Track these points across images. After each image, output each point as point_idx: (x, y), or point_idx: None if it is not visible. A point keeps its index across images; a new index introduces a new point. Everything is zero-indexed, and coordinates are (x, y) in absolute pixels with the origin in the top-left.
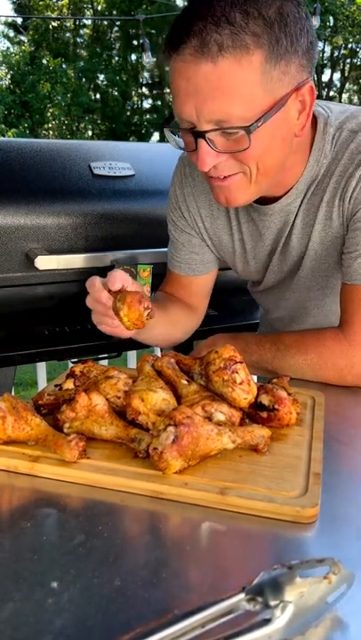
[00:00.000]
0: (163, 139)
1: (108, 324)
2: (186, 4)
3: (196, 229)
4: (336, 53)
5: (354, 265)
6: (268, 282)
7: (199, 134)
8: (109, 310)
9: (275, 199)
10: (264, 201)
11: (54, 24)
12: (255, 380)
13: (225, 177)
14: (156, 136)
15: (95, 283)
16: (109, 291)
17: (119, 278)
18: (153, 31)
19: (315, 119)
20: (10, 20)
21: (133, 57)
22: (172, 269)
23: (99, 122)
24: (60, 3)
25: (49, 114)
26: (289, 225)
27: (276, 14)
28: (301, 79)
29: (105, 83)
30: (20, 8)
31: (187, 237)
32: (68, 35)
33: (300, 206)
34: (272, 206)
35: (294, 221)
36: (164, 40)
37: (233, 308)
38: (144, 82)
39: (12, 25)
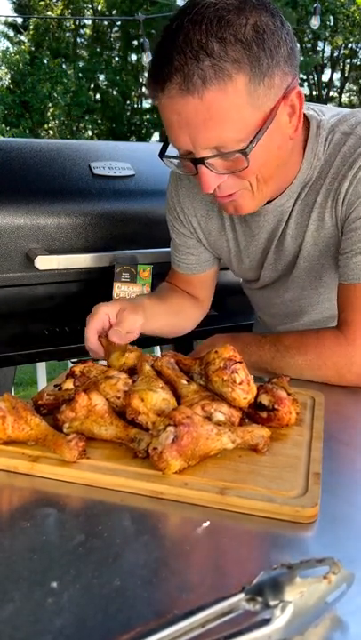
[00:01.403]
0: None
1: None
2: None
3: (190, 230)
4: (336, 53)
5: (350, 264)
6: (264, 280)
7: (198, 161)
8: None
9: (268, 200)
10: None
11: (54, 24)
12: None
13: (228, 195)
14: (156, 136)
15: (94, 324)
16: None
17: (116, 334)
18: (153, 31)
19: (308, 122)
20: (10, 19)
21: (134, 57)
22: (173, 266)
23: (99, 122)
24: (60, 2)
25: (49, 114)
26: (282, 225)
27: (252, 33)
28: (287, 85)
29: (105, 83)
30: (20, 8)
31: (183, 239)
32: (68, 35)
33: (293, 207)
34: (265, 207)
35: (288, 222)
36: (147, 76)
37: (233, 308)
38: (144, 82)
39: (12, 25)
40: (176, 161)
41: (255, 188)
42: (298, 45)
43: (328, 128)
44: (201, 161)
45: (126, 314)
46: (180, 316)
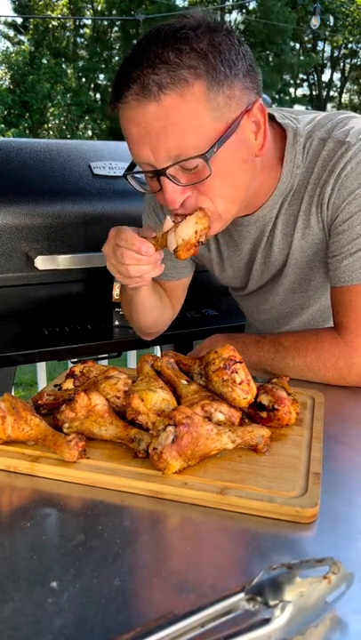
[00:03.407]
0: None
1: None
2: (183, 4)
3: None
4: (336, 53)
5: (341, 267)
6: (252, 287)
7: (160, 173)
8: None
9: (250, 212)
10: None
11: (54, 24)
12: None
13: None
14: None
15: (135, 239)
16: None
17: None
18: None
19: (283, 131)
20: (10, 19)
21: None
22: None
23: (99, 122)
24: (59, 2)
25: (49, 114)
26: (266, 235)
27: (207, 46)
28: (250, 100)
29: (105, 83)
30: (20, 8)
31: None
32: (68, 35)
33: (278, 217)
34: (248, 218)
35: (274, 232)
36: (109, 94)
37: (232, 308)
38: None
39: (12, 25)
40: (141, 179)
41: (220, 209)
42: (259, 69)
43: (305, 135)
44: (163, 172)
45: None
46: (163, 303)
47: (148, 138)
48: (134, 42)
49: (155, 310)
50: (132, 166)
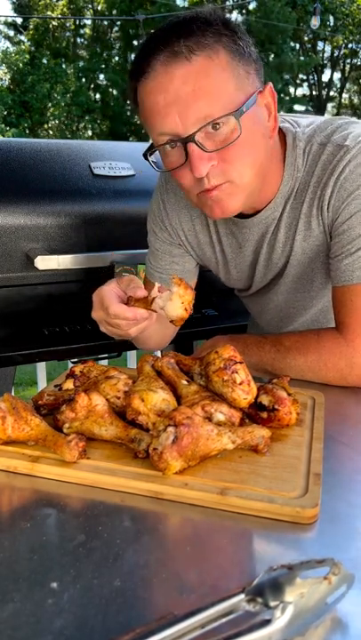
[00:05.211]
0: None
1: (122, 329)
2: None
3: (179, 241)
4: (336, 53)
5: (341, 267)
6: (255, 288)
7: (187, 139)
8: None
9: (253, 213)
10: (243, 215)
11: (54, 24)
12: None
13: (215, 187)
14: None
15: (112, 300)
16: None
17: (138, 286)
18: (153, 31)
19: (284, 135)
20: (10, 19)
21: (133, 57)
22: (151, 280)
23: (99, 122)
24: (59, 2)
25: (49, 114)
26: (268, 236)
27: (223, 26)
28: (261, 85)
29: (105, 83)
30: (20, 8)
31: (168, 248)
32: (68, 35)
33: (280, 219)
34: (251, 220)
35: (277, 234)
36: (130, 72)
37: (233, 308)
38: None
39: (12, 25)
40: (160, 161)
41: (243, 178)
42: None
43: (305, 139)
44: (191, 138)
45: (126, 278)
46: (165, 323)
47: (176, 103)
48: (137, 41)
49: (158, 332)
50: (151, 147)
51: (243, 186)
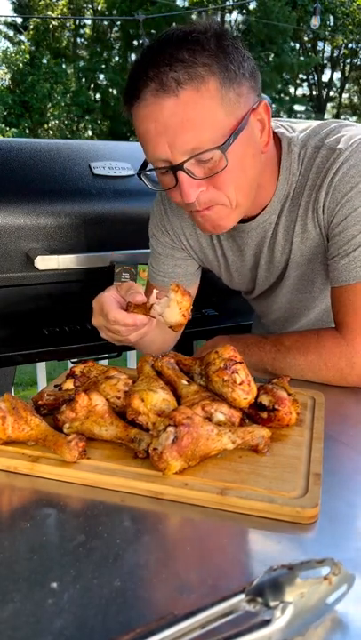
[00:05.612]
0: None
1: (122, 335)
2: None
3: (181, 245)
4: (336, 53)
5: (338, 267)
6: (258, 291)
7: (177, 168)
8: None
9: (251, 217)
10: (241, 220)
11: (54, 24)
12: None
13: (206, 208)
14: None
15: (112, 306)
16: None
17: (137, 292)
18: (153, 31)
19: (279, 140)
20: (10, 19)
21: (133, 57)
22: (153, 283)
23: (99, 122)
24: (59, 2)
25: (49, 114)
26: (267, 240)
27: (217, 47)
28: (255, 100)
29: (105, 83)
30: (20, 8)
31: (170, 252)
32: (68, 35)
33: (278, 223)
34: (249, 224)
35: (276, 238)
36: (123, 95)
37: (233, 308)
38: None
39: (12, 25)
40: (154, 177)
41: (233, 203)
42: (259, 72)
43: (299, 144)
44: (180, 167)
45: (126, 284)
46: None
47: (165, 133)
48: (137, 41)
49: (159, 337)
50: (144, 165)
51: (234, 207)
